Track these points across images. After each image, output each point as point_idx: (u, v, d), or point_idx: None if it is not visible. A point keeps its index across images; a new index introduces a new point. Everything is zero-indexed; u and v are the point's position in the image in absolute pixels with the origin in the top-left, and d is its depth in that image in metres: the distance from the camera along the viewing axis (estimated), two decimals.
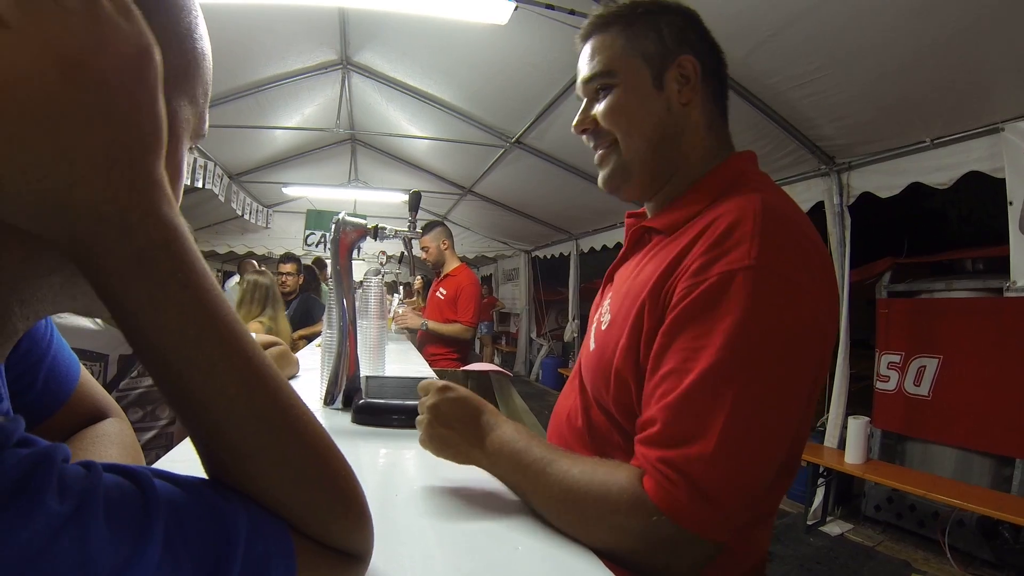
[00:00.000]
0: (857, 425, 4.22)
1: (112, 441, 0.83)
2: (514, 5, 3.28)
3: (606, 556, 0.83)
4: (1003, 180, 3.40)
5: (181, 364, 0.45)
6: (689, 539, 0.80)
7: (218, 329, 0.46)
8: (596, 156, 1.15)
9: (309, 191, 8.39)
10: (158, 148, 0.43)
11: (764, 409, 0.81)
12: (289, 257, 6.11)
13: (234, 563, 0.44)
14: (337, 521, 0.54)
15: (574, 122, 1.16)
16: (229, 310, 0.48)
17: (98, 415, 0.86)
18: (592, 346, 1.11)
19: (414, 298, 5.94)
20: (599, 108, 1.11)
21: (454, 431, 1.04)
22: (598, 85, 1.11)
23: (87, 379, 0.86)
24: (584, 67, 1.13)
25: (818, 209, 4.57)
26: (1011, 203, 3.36)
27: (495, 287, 13.76)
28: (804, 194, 4.64)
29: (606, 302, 1.14)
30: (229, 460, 0.49)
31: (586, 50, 1.13)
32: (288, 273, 5.75)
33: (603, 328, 1.08)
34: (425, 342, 4.47)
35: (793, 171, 4.63)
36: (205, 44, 0.53)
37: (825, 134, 4.14)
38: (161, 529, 0.40)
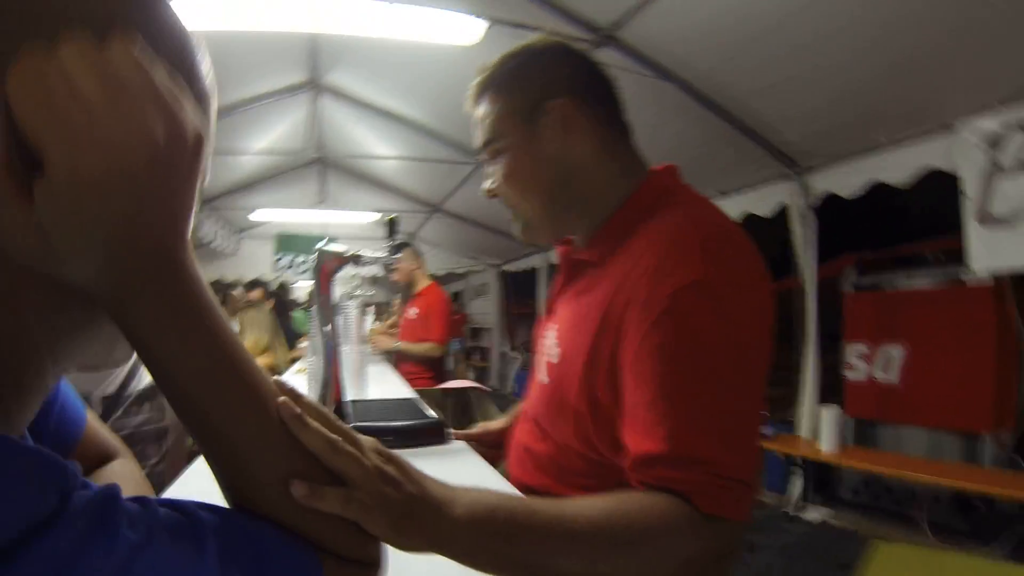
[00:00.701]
0: (830, 414, 4.39)
1: (126, 481, 0.84)
2: (485, 24, 3.39)
3: None
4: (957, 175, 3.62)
5: (204, 401, 0.51)
6: (740, 528, 0.85)
7: (237, 370, 0.52)
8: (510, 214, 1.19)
9: (278, 214, 8.39)
10: (192, 211, 0.50)
11: (745, 400, 0.89)
12: (256, 283, 6.16)
13: (272, 555, 0.50)
14: (352, 536, 0.58)
15: (483, 187, 1.20)
16: (243, 349, 0.54)
17: (107, 456, 0.89)
18: (545, 380, 1.13)
19: (390, 319, 5.98)
20: (496, 174, 1.15)
21: (413, 500, 0.66)
22: (490, 151, 1.14)
23: (93, 420, 0.88)
24: (477, 135, 1.16)
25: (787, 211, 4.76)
26: (966, 195, 3.57)
27: (465, 303, 13.80)
28: (769, 198, 4.82)
29: (552, 334, 1.16)
30: (249, 488, 0.54)
31: (475, 118, 1.17)
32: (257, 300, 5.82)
33: (555, 363, 1.10)
34: (400, 361, 4.56)
35: (758, 176, 4.79)
36: (215, 102, 0.56)
37: (788, 139, 4.33)
38: (214, 550, 0.44)
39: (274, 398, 0.55)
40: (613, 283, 0.99)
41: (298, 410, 0.55)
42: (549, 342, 1.15)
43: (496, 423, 1.65)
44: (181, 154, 0.46)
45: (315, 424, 0.57)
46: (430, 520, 0.66)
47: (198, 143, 0.47)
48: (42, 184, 0.40)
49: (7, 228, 0.41)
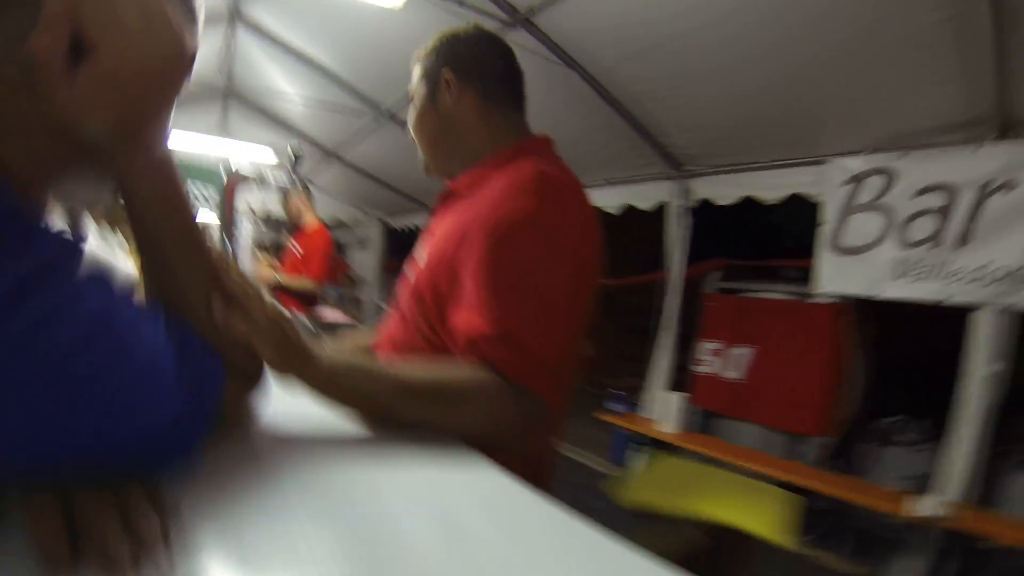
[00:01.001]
0: (674, 399, 4.82)
1: None
2: None
3: (469, 440, 1.01)
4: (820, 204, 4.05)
5: (164, 234, 0.76)
6: (533, 399, 1.09)
7: (189, 219, 0.77)
8: None
9: (175, 136, 8.09)
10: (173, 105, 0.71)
11: (561, 308, 1.15)
12: None
13: (194, 346, 0.72)
14: (246, 356, 0.82)
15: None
16: (191, 208, 0.78)
17: None
18: (412, 280, 1.37)
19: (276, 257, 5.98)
20: (409, 120, 1.51)
21: (293, 344, 0.90)
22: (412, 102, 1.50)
23: None
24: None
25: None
26: (823, 225, 4.01)
27: (348, 254, 13.66)
28: (650, 193, 5.10)
29: (426, 247, 1.40)
30: (180, 304, 0.76)
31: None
32: None
33: (422, 268, 1.34)
34: (276, 292, 4.66)
35: (642, 171, 5.04)
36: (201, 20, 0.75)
37: (675, 143, 4.61)
38: (162, 325, 0.66)
39: (210, 248, 0.80)
40: (473, 210, 1.25)
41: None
42: (423, 252, 1.39)
43: (370, 339, 1.84)
44: (184, 65, 0.66)
45: (237, 274, 0.82)
46: (303, 359, 0.92)
47: (193, 57, 0.67)
48: (88, 68, 0.57)
49: (55, 96, 0.57)
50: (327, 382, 0.95)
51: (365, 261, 12.37)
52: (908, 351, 4.87)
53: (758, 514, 2.87)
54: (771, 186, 4.37)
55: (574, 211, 1.24)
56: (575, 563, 0.63)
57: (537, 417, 1.11)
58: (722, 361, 5.04)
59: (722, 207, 4.76)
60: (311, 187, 5.15)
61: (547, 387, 1.10)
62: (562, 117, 4.22)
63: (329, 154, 8.27)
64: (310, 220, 4.95)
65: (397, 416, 1.01)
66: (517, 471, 0.88)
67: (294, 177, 4.61)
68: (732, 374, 4.97)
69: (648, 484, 3.18)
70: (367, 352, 1.43)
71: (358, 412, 1.00)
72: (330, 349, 0.97)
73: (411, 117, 1.49)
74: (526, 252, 1.14)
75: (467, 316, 1.13)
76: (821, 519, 4.05)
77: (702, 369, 5.18)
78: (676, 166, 4.83)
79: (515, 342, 1.08)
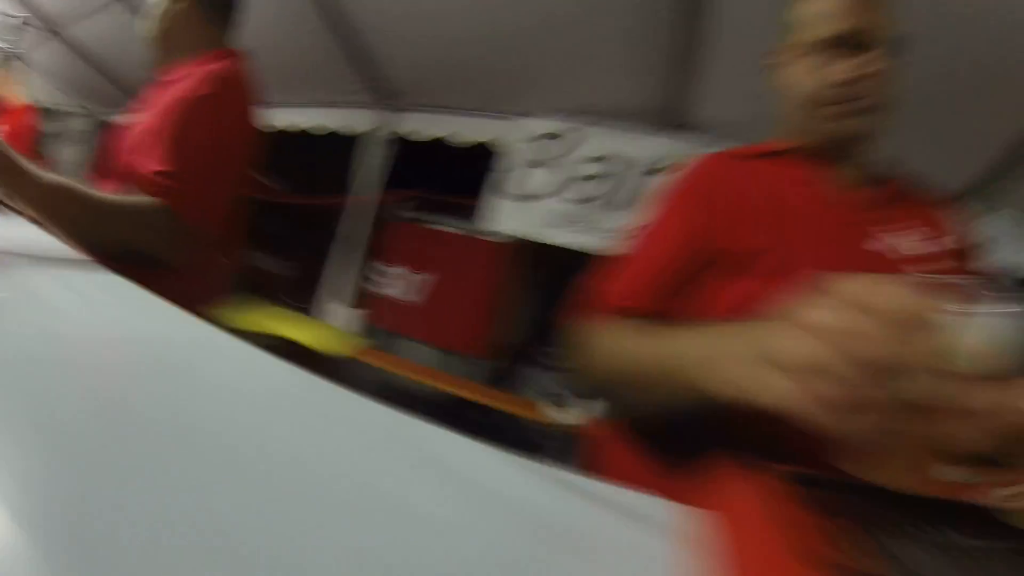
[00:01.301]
0: (347, 314, 5.12)
1: None
2: None
3: (127, 254, 1.33)
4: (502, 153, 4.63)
5: None
6: (190, 226, 1.45)
7: None
8: None
9: None
10: None
11: (210, 159, 1.52)
12: None
13: None
14: None
15: None
16: None
17: None
18: (127, 146, 1.65)
19: None
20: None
21: (15, 159, 1.21)
22: None
23: None
24: None
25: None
26: (503, 172, 4.65)
27: (54, 148, 11.78)
28: (354, 120, 5.17)
29: (140, 116, 1.70)
30: None
31: None
32: None
33: (135, 136, 1.63)
34: None
35: (350, 98, 5.04)
36: None
37: (388, 75, 4.73)
38: None
39: None
40: (178, 94, 1.56)
41: None
42: (135, 125, 1.68)
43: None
44: None
45: None
46: (18, 173, 1.20)
47: None
48: None
49: None
50: (38, 199, 1.22)
51: (72, 157, 10.79)
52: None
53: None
54: (465, 130, 4.79)
55: (245, 105, 1.65)
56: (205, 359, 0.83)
57: (190, 241, 1.47)
58: (400, 284, 5.44)
59: (414, 142, 5.05)
60: (24, 63, 4.56)
61: (203, 221, 1.50)
62: (279, 35, 4.20)
63: (50, 29, 6.99)
64: (19, 101, 4.45)
65: (82, 228, 1.31)
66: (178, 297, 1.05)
67: (9, 48, 4.09)
68: (409, 297, 5.39)
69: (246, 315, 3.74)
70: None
71: (59, 228, 1.27)
72: (51, 175, 1.25)
73: (156, 17, 1.78)
74: (204, 124, 1.50)
75: (150, 161, 1.46)
76: (469, 421, 4.65)
77: (381, 291, 5.52)
78: (382, 95, 4.96)
79: (179, 178, 1.43)
